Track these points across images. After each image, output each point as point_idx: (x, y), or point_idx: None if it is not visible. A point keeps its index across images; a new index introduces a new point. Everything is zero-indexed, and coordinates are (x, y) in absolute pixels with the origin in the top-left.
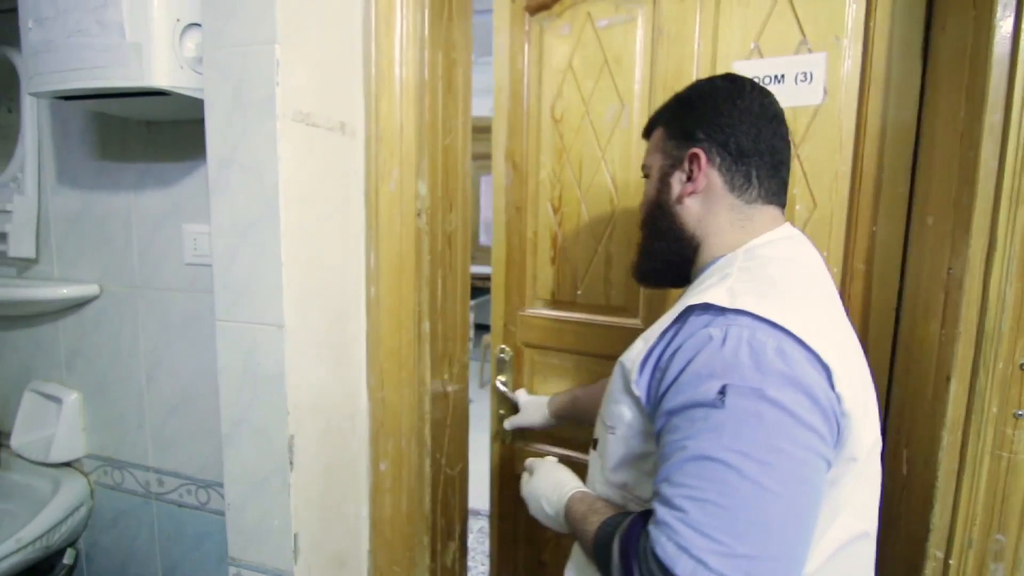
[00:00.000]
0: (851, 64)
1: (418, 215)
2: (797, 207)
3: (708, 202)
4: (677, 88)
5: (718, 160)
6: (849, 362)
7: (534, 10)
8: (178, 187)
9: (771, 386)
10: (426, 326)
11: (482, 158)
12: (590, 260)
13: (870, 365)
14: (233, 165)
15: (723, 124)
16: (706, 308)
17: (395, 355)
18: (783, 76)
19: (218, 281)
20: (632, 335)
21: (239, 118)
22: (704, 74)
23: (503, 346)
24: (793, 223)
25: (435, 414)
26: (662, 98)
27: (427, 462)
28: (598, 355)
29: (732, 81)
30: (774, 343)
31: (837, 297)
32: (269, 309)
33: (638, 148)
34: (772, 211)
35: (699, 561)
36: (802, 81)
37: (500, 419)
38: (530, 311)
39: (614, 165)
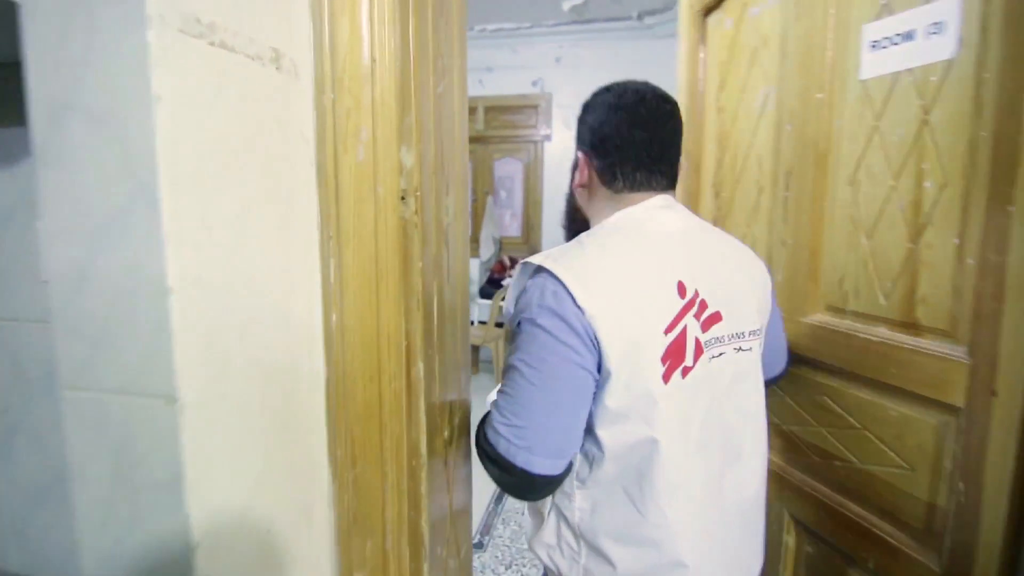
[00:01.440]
0: (993, 4)
1: (402, 199)
2: (926, 184)
3: (592, 192)
4: (808, 63)
5: (595, 162)
6: (630, 298)
7: (707, 11)
8: (28, 165)
9: (542, 317)
10: (419, 368)
11: (500, 141)
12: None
13: None
14: (74, 113)
15: (594, 131)
16: (536, 267)
17: (372, 417)
18: (912, 31)
19: (59, 320)
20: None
21: (81, 27)
22: (832, 43)
23: None
24: (920, 203)
25: (433, 494)
26: (796, 77)
27: (425, 568)
28: None
29: (607, 89)
30: (552, 288)
31: (672, 243)
32: (150, 370)
33: (777, 131)
34: (640, 196)
35: (493, 428)
36: (932, 33)
37: None
38: None
39: (760, 150)
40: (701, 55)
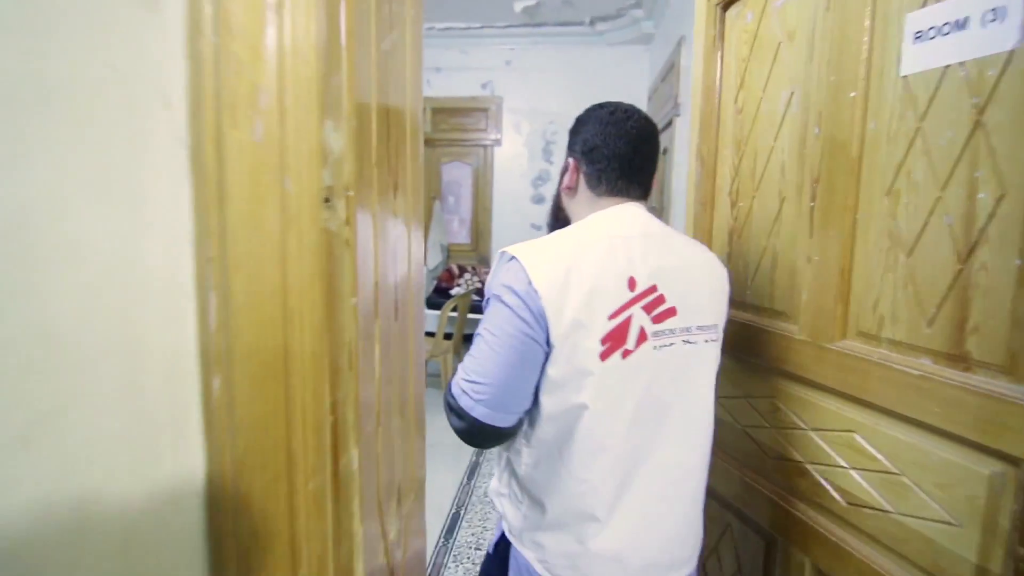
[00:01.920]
0: None
1: (326, 201)
2: (980, 195)
3: (578, 194)
4: (839, 58)
5: (584, 168)
6: (580, 286)
7: (726, 5)
8: None
9: (505, 295)
10: (352, 458)
11: (448, 144)
12: (759, 257)
13: None
14: None
15: (586, 141)
16: (510, 256)
17: (277, 537)
18: (966, 19)
19: None
20: (789, 343)
21: None
22: (868, 36)
23: None
24: (973, 217)
25: None
26: (825, 75)
27: None
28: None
29: (600, 106)
30: (515, 270)
31: (629, 243)
32: None
33: (802, 134)
34: (615, 201)
35: (458, 384)
36: (990, 21)
37: None
38: None
39: (783, 154)
40: (718, 52)
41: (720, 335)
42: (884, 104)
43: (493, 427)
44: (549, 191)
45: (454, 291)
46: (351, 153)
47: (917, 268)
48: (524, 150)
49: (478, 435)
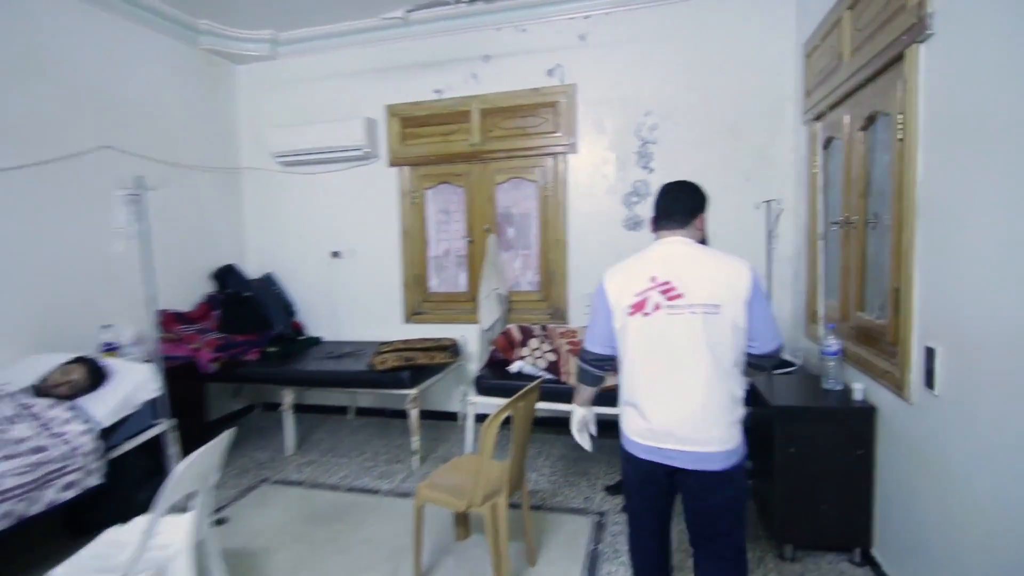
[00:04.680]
0: None
1: None
2: None
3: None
4: None
5: (652, 218)
6: (624, 283)
7: None
8: None
9: (595, 295)
10: None
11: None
12: None
13: None
14: None
15: (654, 203)
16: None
17: None
18: None
19: None
20: None
21: None
22: None
23: None
24: None
25: None
26: None
27: None
28: None
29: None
30: (604, 279)
31: (663, 256)
32: None
33: None
34: (663, 234)
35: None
36: None
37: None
38: None
39: None
40: None
41: (723, 311)
42: None
43: (592, 352)
44: (648, 210)
45: (515, 367)
46: None
47: None
48: (610, 155)
49: (587, 360)
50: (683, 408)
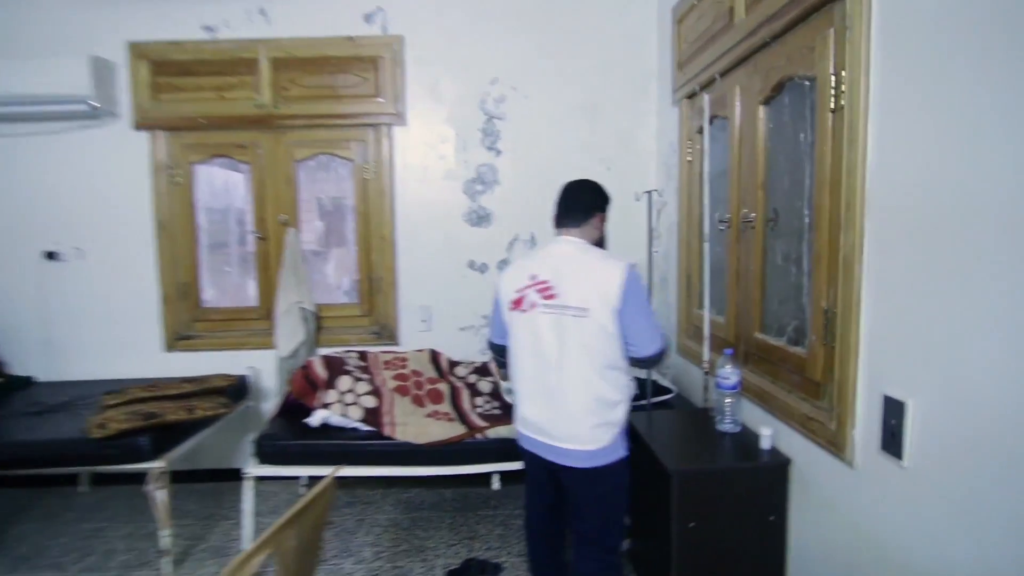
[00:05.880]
0: None
1: None
2: None
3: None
4: None
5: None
6: (511, 278)
7: None
8: None
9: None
10: None
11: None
12: None
13: None
14: None
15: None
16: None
17: None
18: None
19: None
20: None
21: None
22: None
23: None
24: None
25: None
26: None
27: None
28: None
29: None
30: (503, 271)
31: (548, 255)
32: None
33: None
34: (560, 232)
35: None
36: None
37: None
38: None
39: None
40: None
41: (591, 315)
42: None
43: (493, 343)
44: (498, 202)
45: (317, 418)
46: None
47: None
48: (449, 131)
49: (491, 349)
50: (550, 405)
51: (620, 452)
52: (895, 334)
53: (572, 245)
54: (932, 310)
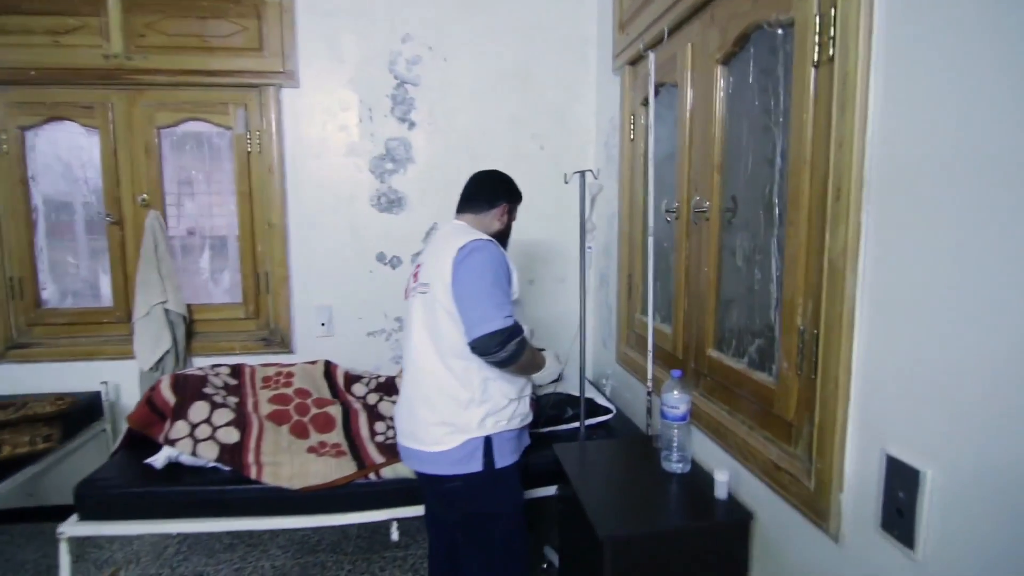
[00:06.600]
0: None
1: None
2: None
3: None
4: None
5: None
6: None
7: None
8: None
9: None
10: None
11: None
12: None
13: None
14: None
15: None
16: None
17: None
18: None
19: None
20: None
21: None
22: None
23: None
24: None
25: None
26: None
27: None
28: None
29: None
30: None
31: (432, 239)
32: None
33: None
34: (459, 215)
35: None
36: None
37: None
38: None
39: None
40: None
41: (432, 291)
42: None
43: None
44: (413, 184)
45: (161, 457)
46: None
47: None
48: (352, 97)
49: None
50: (402, 395)
51: (474, 465)
52: (905, 371)
53: (452, 226)
54: (967, 342)
